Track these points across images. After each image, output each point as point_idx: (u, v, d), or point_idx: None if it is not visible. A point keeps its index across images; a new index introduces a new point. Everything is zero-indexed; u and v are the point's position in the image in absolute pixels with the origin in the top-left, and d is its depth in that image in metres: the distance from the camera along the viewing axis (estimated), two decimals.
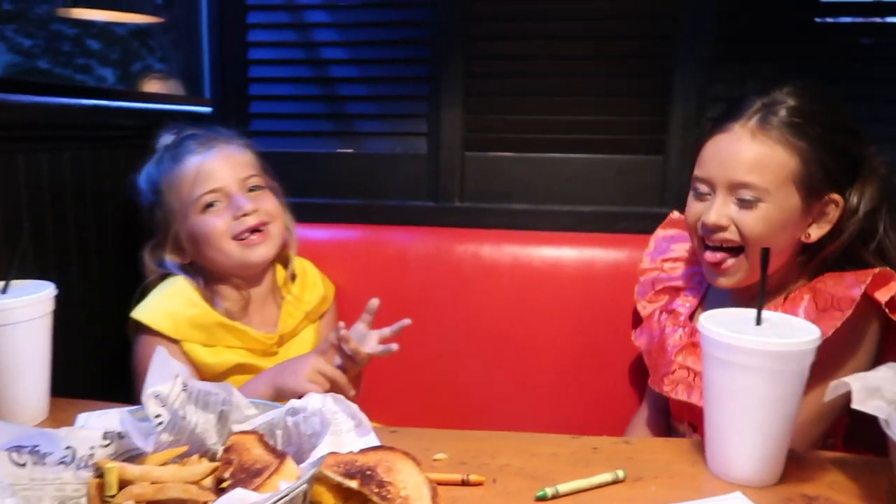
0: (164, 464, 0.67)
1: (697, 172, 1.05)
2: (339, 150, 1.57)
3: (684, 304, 1.18)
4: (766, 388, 0.73)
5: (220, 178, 1.15)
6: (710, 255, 1.03)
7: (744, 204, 0.99)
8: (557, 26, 1.46)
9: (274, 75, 1.59)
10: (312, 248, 1.39)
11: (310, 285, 1.30)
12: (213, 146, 1.18)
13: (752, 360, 0.73)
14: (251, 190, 1.18)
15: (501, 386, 1.34)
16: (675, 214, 1.29)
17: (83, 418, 0.79)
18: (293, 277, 1.29)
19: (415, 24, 1.52)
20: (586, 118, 1.47)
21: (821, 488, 0.74)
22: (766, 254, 0.80)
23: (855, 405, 0.69)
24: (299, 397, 0.72)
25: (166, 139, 1.22)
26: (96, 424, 0.69)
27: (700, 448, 0.81)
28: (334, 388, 1.04)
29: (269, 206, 1.19)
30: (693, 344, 1.10)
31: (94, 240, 1.24)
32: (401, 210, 1.51)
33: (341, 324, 1.07)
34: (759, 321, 0.77)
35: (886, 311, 0.94)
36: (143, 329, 1.13)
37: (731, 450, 0.76)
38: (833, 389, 0.73)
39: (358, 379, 1.14)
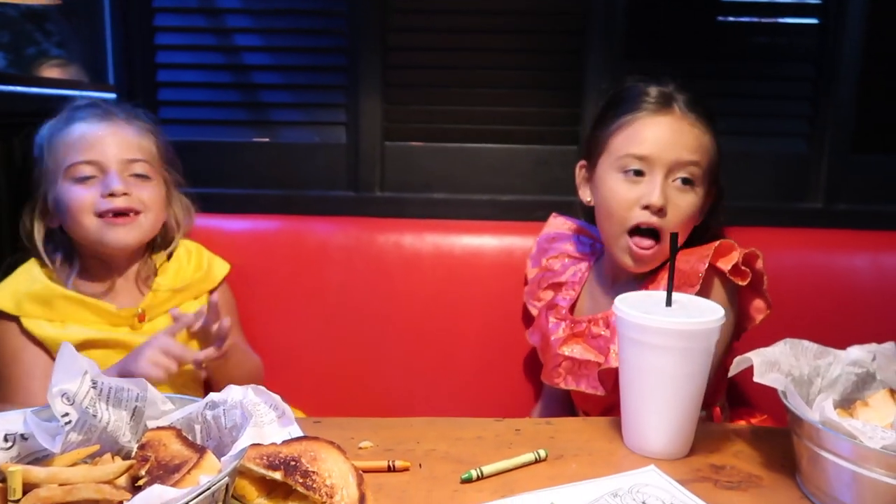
0: (74, 464, 0.64)
1: (636, 150, 1.05)
2: (254, 140, 1.53)
3: (565, 297, 1.22)
4: (676, 365, 0.77)
5: (100, 151, 1.10)
6: (640, 241, 1.06)
7: (683, 186, 1.04)
8: (474, 19, 1.47)
9: (183, 61, 1.53)
10: (230, 239, 1.35)
11: (192, 266, 1.25)
12: (107, 119, 1.13)
13: (664, 340, 0.76)
14: (135, 175, 1.13)
15: (424, 373, 1.35)
16: (555, 217, 1.33)
17: None
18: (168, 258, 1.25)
19: (331, 13, 1.50)
20: (504, 109, 1.50)
21: (727, 458, 0.79)
22: (674, 239, 0.84)
23: (756, 378, 0.73)
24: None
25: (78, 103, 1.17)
26: None
27: (617, 425, 0.84)
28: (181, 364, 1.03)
29: (145, 195, 1.14)
30: (575, 334, 1.15)
31: None
32: (320, 200, 1.49)
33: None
34: (669, 303, 0.81)
35: (730, 277, 1.02)
36: None
37: (644, 425, 0.80)
38: (737, 364, 0.78)
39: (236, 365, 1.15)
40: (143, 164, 1.14)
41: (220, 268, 1.29)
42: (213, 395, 0.68)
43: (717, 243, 1.03)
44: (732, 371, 0.78)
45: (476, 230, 1.40)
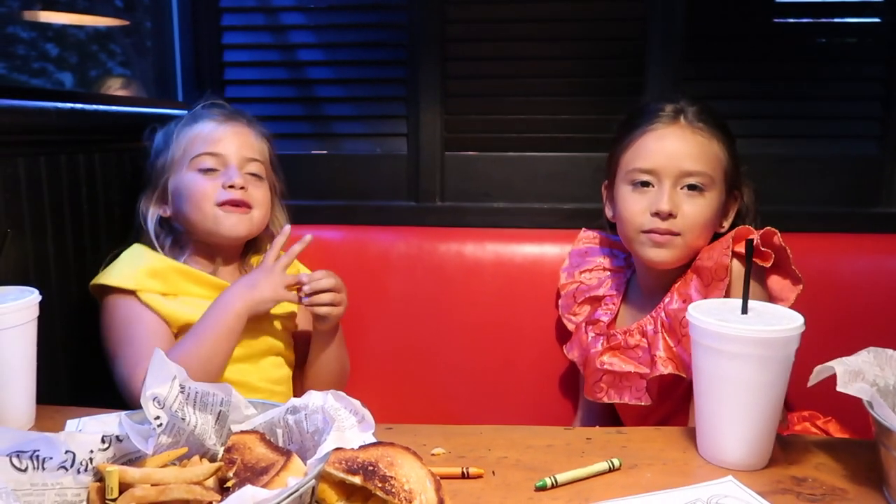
0: (165, 466, 0.67)
1: (641, 164, 1.09)
2: (317, 152, 1.57)
3: (605, 312, 1.22)
4: (754, 374, 0.75)
5: (225, 147, 1.18)
6: (656, 237, 1.07)
7: (691, 192, 1.06)
8: (532, 28, 1.48)
9: (250, 77, 1.58)
10: None
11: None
12: (233, 119, 1.22)
13: (741, 348, 0.75)
14: (251, 174, 1.21)
15: (487, 381, 1.35)
16: (585, 231, 1.33)
17: (72, 424, 0.77)
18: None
19: (391, 26, 1.53)
20: (563, 117, 1.50)
21: (808, 470, 0.77)
22: (750, 244, 0.82)
23: (840, 388, 0.71)
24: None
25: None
26: (94, 428, 0.68)
27: (691, 435, 0.83)
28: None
29: (258, 194, 1.21)
30: (612, 347, 1.15)
31: (71, 245, 1.22)
32: (382, 211, 1.52)
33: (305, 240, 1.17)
34: (744, 310, 0.80)
35: (754, 260, 1.00)
36: (101, 292, 1.15)
37: (721, 435, 0.78)
38: (817, 374, 0.76)
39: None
40: (258, 164, 1.22)
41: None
42: (294, 401, 0.70)
43: (732, 232, 1.03)
44: (813, 380, 0.76)
45: (537, 238, 1.40)
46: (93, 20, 2.48)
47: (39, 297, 0.87)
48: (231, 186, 1.16)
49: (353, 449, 0.69)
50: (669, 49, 1.44)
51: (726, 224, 1.12)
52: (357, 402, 0.69)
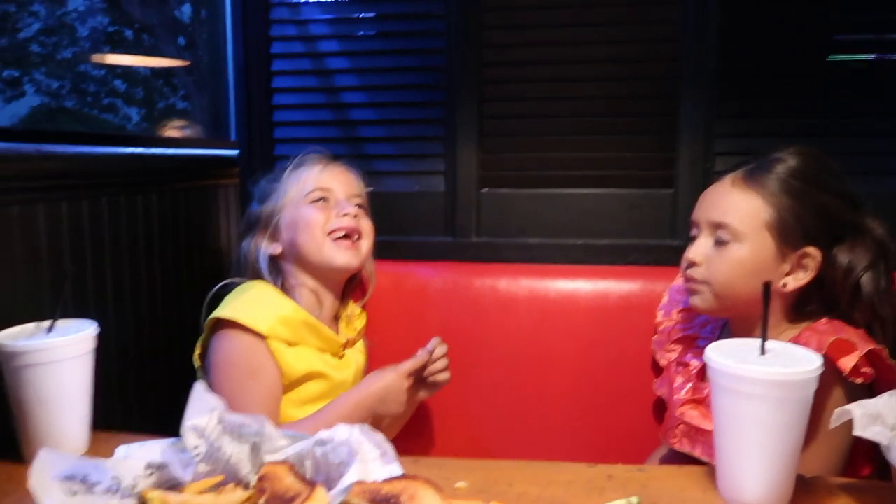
0: (202, 492, 0.72)
1: (692, 215, 1.14)
2: None
3: (696, 356, 1.20)
4: (771, 415, 0.76)
5: (334, 184, 1.29)
6: (688, 283, 1.13)
7: (719, 243, 1.07)
8: (565, 69, 1.52)
9: (297, 119, 1.66)
10: None
11: (358, 311, 1.41)
12: (335, 162, 1.33)
13: (758, 389, 0.76)
14: (357, 206, 1.30)
15: (519, 416, 1.37)
16: None
17: (122, 450, 0.83)
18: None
19: (430, 69, 1.59)
20: (597, 155, 1.52)
21: None
22: (767, 288, 0.83)
23: (857, 432, 0.72)
24: None
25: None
26: (139, 455, 0.73)
27: (711, 475, 0.84)
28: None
29: (365, 224, 1.31)
30: (695, 400, 1.14)
31: (128, 281, 1.30)
32: (420, 246, 1.57)
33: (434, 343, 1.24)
34: (763, 351, 0.81)
35: (851, 379, 0.93)
36: (227, 326, 1.16)
37: (740, 476, 0.79)
38: (837, 417, 0.76)
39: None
40: (360, 198, 1.33)
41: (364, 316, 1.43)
42: (322, 433, 0.74)
43: (831, 339, 0.95)
44: (833, 423, 0.77)
45: (570, 274, 1.42)
46: (154, 62, 2.62)
47: (97, 330, 0.94)
48: (345, 215, 1.25)
49: (377, 481, 0.73)
50: (702, 88, 1.45)
51: (790, 284, 1.05)
52: (381, 436, 0.73)
